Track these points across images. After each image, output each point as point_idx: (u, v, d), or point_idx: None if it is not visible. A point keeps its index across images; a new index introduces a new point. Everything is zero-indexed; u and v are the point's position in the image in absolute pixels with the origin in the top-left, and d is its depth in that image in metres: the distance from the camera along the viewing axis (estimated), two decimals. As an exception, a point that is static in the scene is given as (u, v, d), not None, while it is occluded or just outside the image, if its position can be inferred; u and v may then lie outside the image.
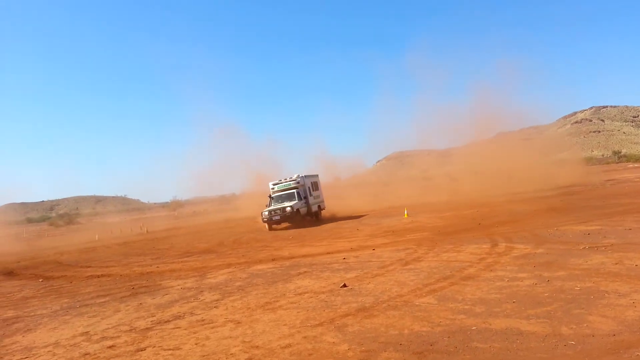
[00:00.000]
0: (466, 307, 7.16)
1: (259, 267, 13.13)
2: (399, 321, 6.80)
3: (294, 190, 27.81)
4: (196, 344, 6.77)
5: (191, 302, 9.64)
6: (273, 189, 28.82)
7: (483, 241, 13.19)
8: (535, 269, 9.17)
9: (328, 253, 14.24)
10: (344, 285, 9.33)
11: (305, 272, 11.48)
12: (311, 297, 8.79)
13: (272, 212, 26.33)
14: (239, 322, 7.67)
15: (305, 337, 6.52)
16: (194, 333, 7.33)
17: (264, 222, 26.54)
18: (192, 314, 8.61)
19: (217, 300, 9.52)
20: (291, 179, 28.49)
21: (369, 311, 7.45)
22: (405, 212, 25.38)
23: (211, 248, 19.98)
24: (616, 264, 8.97)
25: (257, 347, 6.35)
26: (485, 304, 7.18)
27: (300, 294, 9.14)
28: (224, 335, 7.08)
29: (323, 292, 9.07)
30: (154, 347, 6.88)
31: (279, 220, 26.32)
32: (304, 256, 14.18)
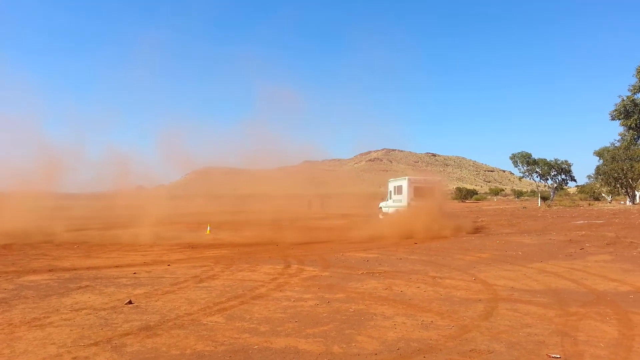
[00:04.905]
0: (252, 325, 7.37)
1: (32, 277, 11.48)
2: (183, 341, 6.64)
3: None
4: None
5: None
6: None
7: (278, 262, 13.79)
8: (319, 291, 9.94)
9: (117, 266, 13.19)
10: (130, 302, 8.73)
11: (87, 286, 10.42)
12: (89, 314, 8.01)
13: None
14: (-7, 342, 6.56)
15: (74, 358, 5.90)
16: None
17: None
18: None
19: (-33, 315, 8.00)
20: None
21: (153, 330, 7.11)
22: (208, 228, 25.15)
23: (-30, 253, 16.76)
24: (386, 289, 10.27)
25: (12, 370, 5.53)
26: (270, 323, 7.49)
27: (76, 310, 8.25)
28: (-30, 357, 5.98)
29: (104, 309, 8.35)
30: None
31: None
32: (89, 268, 12.87)
